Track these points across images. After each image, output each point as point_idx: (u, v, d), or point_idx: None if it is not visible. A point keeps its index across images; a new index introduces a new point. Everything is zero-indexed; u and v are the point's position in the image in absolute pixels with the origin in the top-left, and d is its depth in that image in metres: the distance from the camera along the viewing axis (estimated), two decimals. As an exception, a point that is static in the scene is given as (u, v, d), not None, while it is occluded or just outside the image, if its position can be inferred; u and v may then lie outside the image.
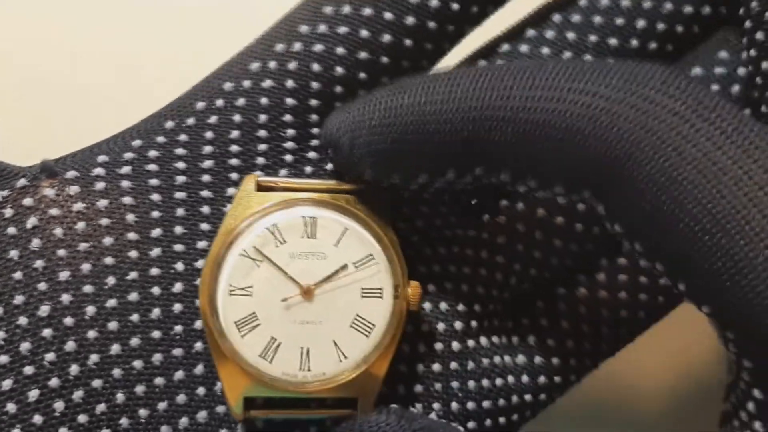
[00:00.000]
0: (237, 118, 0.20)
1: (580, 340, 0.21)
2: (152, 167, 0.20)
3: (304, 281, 0.19)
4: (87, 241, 0.19)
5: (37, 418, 0.17)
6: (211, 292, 0.19)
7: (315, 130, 0.21)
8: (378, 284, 0.19)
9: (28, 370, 0.18)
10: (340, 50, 0.20)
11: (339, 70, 0.20)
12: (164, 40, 0.32)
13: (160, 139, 0.20)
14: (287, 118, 0.20)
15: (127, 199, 0.20)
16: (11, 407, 0.17)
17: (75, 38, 0.32)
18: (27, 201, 0.19)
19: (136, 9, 0.33)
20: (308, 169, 0.21)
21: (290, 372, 0.19)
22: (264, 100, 0.20)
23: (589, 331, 0.21)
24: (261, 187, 0.20)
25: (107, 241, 0.19)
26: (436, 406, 0.20)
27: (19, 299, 0.18)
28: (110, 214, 0.19)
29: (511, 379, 0.21)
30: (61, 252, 0.19)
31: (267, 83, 0.20)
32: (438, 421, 0.20)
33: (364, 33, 0.20)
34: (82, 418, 0.18)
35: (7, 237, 0.18)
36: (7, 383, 0.17)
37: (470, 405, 0.20)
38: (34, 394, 0.18)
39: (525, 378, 0.21)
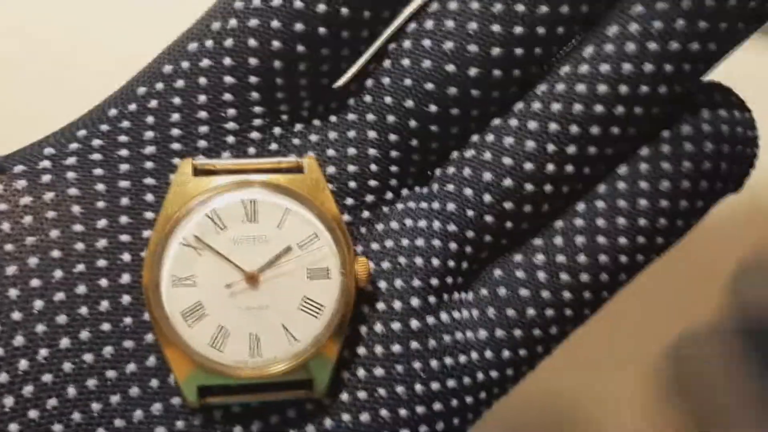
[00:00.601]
0: (176, 100, 0.20)
1: (542, 309, 0.20)
2: (96, 157, 0.20)
3: (248, 267, 0.18)
4: (34, 235, 0.19)
5: None
6: (154, 283, 0.18)
7: (257, 109, 0.20)
8: (324, 263, 0.19)
9: None
10: (275, 24, 0.19)
11: (276, 44, 0.19)
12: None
13: (104, 127, 0.20)
14: (227, 97, 0.20)
15: (73, 191, 0.19)
16: None
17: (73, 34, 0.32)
18: None
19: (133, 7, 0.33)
20: (251, 149, 0.20)
21: (241, 359, 0.18)
22: (202, 80, 0.20)
23: (550, 298, 0.20)
24: (198, 171, 0.19)
25: (54, 233, 0.19)
26: (399, 389, 0.19)
27: None
28: (56, 206, 0.19)
29: (474, 355, 0.20)
30: (9, 247, 0.19)
31: (204, 63, 0.20)
32: None
33: (298, 4, 0.19)
34: (32, 414, 0.18)
35: None
36: None
37: (434, 386, 0.20)
38: None
39: (488, 353, 0.20)
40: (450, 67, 0.20)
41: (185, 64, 0.20)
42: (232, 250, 0.19)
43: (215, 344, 0.18)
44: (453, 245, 0.20)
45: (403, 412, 0.19)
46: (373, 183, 0.21)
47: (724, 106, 0.21)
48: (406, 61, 0.20)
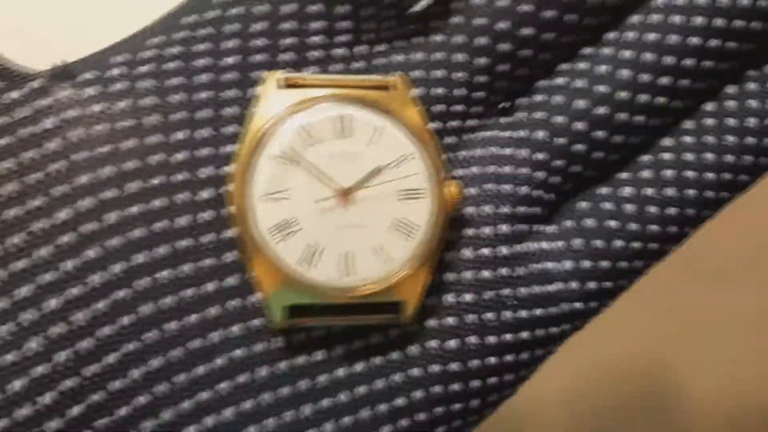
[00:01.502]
0: (260, 8, 0.19)
1: (628, 242, 0.20)
2: (172, 65, 0.18)
3: (342, 183, 0.18)
4: (106, 145, 0.18)
5: (55, 329, 0.17)
6: (243, 198, 0.18)
7: (342, 24, 0.19)
8: (417, 184, 0.18)
9: (46, 277, 0.17)
10: None
11: None
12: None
13: (181, 34, 0.19)
14: (313, 9, 0.19)
15: (147, 101, 0.18)
16: (31, 315, 0.16)
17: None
18: (42, 102, 0.18)
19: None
20: (336, 66, 0.19)
21: (333, 277, 0.18)
22: None
23: (638, 230, 0.20)
24: (286, 84, 0.18)
25: (128, 144, 0.18)
26: (488, 315, 0.19)
27: (37, 202, 0.17)
28: (130, 116, 0.18)
29: (561, 285, 0.20)
30: (80, 155, 0.17)
31: None
32: None
33: None
34: (106, 330, 0.17)
35: (23, 138, 0.17)
36: (26, 289, 0.16)
37: (523, 313, 0.19)
38: (53, 303, 0.17)
39: (574, 284, 0.20)
40: None
41: None
42: (325, 165, 0.18)
43: (306, 261, 0.18)
44: (541, 174, 0.20)
45: (491, 339, 0.19)
46: (458, 108, 0.20)
47: None
48: None
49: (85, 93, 0.18)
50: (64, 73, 0.18)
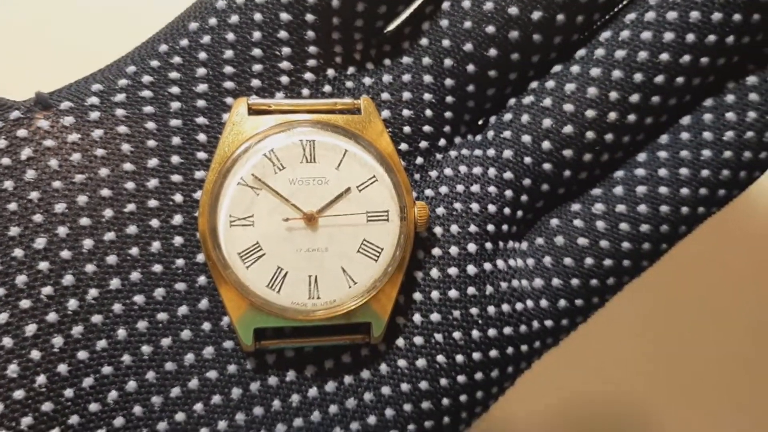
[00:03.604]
0: (230, 36, 0.19)
1: (601, 259, 0.20)
2: (147, 93, 0.19)
3: (307, 208, 0.18)
4: (83, 173, 0.18)
5: (35, 354, 0.17)
6: (211, 223, 0.18)
7: (311, 49, 0.20)
8: (384, 206, 0.18)
9: (25, 303, 0.17)
10: None
11: None
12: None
13: (154, 63, 0.19)
14: (282, 34, 0.19)
15: (122, 129, 0.19)
16: (7, 341, 0.17)
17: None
18: (21, 132, 0.18)
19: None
20: (305, 91, 0.20)
21: (299, 301, 0.18)
22: (258, 16, 0.19)
23: (609, 247, 0.20)
24: (254, 111, 0.19)
25: (103, 172, 0.18)
26: (456, 335, 0.19)
27: (14, 231, 0.18)
28: (105, 144, 0.19)
29: (530, 303, 0.20)
30: (57, 183, 0.18)
31: None
32: None
33: None
34: (82, 355, 0.18)
35: (1, 168, 0.18)
36: (3, 317, 0.17)
37: (491, 332, 0.19)
38: (31, 328, 0.17)
39: (544, 302, 0.20)
40: (513, 10, 0.19)
41: (240, 0, 0.19)
42: (291, 190, 0.18)
43: (273, 286, 0.18)
44: (509, 193, 0.20)
45: (459, 358, 0.19)
46: (427, 128, 0.20)
47: None
48: (466, 3, 0.20)
49: (62, 122, 0.19)
50: (42, 104, 0.19)
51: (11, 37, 0.31)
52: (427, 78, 0.20)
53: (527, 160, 0.20)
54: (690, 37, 0.19)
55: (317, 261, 0.18)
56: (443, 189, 0.20)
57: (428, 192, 0.20)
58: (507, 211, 0.20)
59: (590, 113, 0.20)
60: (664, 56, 0.19)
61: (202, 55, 0.19)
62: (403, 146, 0.20)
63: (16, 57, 0.31)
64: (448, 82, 0.20)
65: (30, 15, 0.32)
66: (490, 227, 0.20)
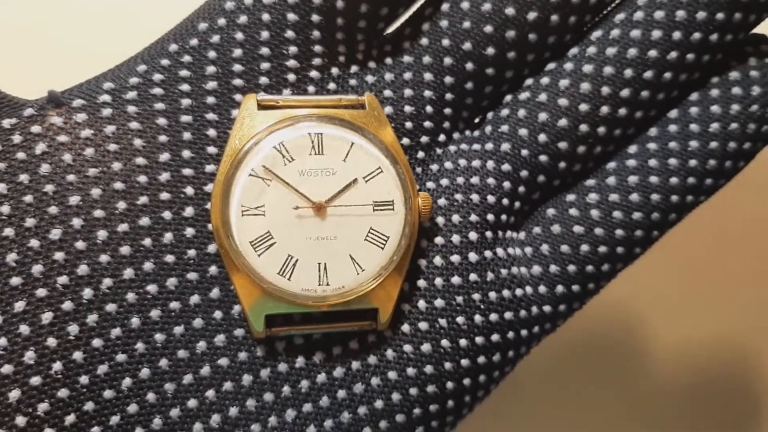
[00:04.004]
0: (239, 36, 0.20)
1: (596, 246, 0.21)
2: (157, 91, 0.20)
3: (316, 198, 0.19)
4: (96, 167, 0.19)
5: (51, 341, 0.18)
6: (223, 214, 0.19)
7: (317, 48, 0.20)
8: (389, 196, 0.19)
9: (41, 292, 0.18)
10: None
11: None
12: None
13: (165, 62, 0.20)
14: (289, 34, 0.20)
15: (134, 124, 0.19)
16: (24, 329, 0.17)
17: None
18: (35, 128, 0.19)
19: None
20: (311, 88, 0.21)
21: (310, 287, 0.19)
22: (265, 16, 0.20)
23: (603, 235, 0.21)
24: (262, 106, 0.19)
25: (116, 166, 0.19)
26: (459, 319, 0.20)
27: (30, 222, 0.18)
28: (118, 139, 0.19)
29: (529, 289, 0.21)
30: (71, 177, 0.19)
31: None
32: None
33: None
34: (97, 342, 0.18)
35: (17, 162, 0.18)
36: (20, 305, 0.17)
37: (493, 317, 0.20)
38: (47, 316, 0.18)
39: (542, 288, 0.21)
40: (509, 11, 0.20)
41: (248, 1, 0.20)
42: (300, 181, 0.19)
43: (284, 273, 0.19)
44: (507, 184, 0.21)
45: (463, 342, 0.20)
46: (428, 124, 0.21)
47: None
48: (465, 4, 0.21)
49: (75, 119, 0.19)
50: (55, 101, 0.19)
51: (11, 37, 0.32)
52: (428, 76, 0.21)
53: (524, 152, 0.21)
54: (676, 35, 0.20)
55: (326, 249, 0.19)
56: (444, 181, 0.21)
57: (430, 184, 0.21)
58: (506, 201, 0.21)
59: (583, 107, 0.21)
60: (653, 53, 0.20)
61: (212, 54, 0.20)
62: (405, 141, 0.21)
63: (16, 57, 0.31)
64: (448, 79, 0.21)
65: (30, 15, 0.32)
66: (490, 216, 0.21)
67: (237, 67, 0.20)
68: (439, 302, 0.20)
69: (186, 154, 0.20)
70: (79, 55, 0.30)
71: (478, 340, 0.20)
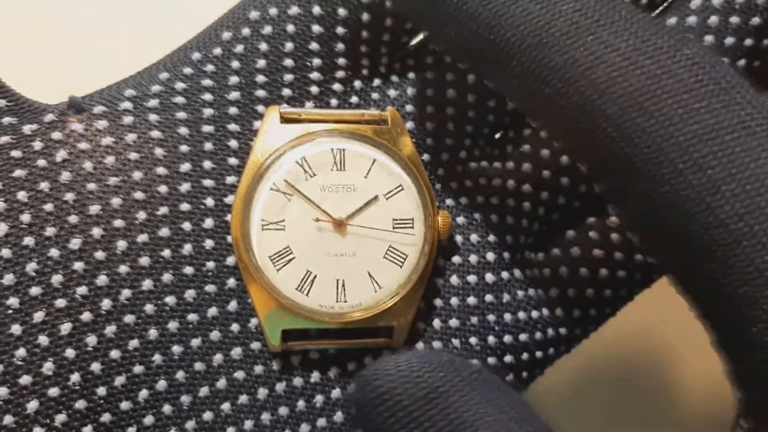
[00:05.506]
0: (263, 46, 0.20)
1: (614, 270, 0.21)
2: (180, 100, 0.20)
3: (336, 214, 0.19)
4: (116, 176, 0.19)
5: (70, 352, 0.18)
6: (243, 227, 0.19)
7: (340, 61, 0.20)
8: (409, 215, 0.19)
9: (60, 302, 0.18)
10: None
11: None
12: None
13: (187, 70, 0.20)
14: (313, 46, 0.20)
15: (156, 133, 0.19)
16: (43, 339, 0.17)
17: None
18: (56, 135, 0.19)
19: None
20: (333, 101, 0.20)
21: (327, 303, 0.19)
22: (290, 27, 0.20)
23: (623, 259, 0.21)
24: (285, 119, 0.19)
25: (137, 175, 0.19)
26: (473, 340, 0.20)
27: (50, 231, 0.18)
28: (139, 148, 0.19)
29: (545, 311, 0.21)
30: (91, 186, 0.18)
31: (293, 10, 0.20)
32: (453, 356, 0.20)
33: None
34: (114, 354, 0.18)
35: (38, 169, 0.18)
36: (39, 315, 0.17)
37: (507, 338, 0.20)
38: (66, 327, 0.18)
39: (559, 311, 0.21)
40: None
41: (273, 11, 0.20)
42: (321, 197, 0.19)
43: (302, 288, 0.19)
44: (527, 204, 0.21)
45: (475, 362, 0.20)
46: (449, 141, 0.21)
47: None
48: None
49: (96, 126, 0.19)
50: (76, 107, 0.19)
51: (11, 37, 0.32)
52: (450, 93, 0.21)
53: (545, 173, 0.21)
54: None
55: (345, 265, 0.19)
56: (463, 200, 0.21)
57: (449, 201, 0.21)
58: (525, 222, 0.21)
59: None
60: None
61: (235, 64, 0.20)
62: (426, 157, 0.21)
63: (17, 57, 0.31)
64: (470, 97, 0.21)
65: (30, 15, 0.32)
66: (509, 238, 0.21)
67: (260, 78, 0.20)
68: (454, 322, 0.20)
69: (207, 164, 0.19)
70: (77, 55, 0.30)
71: (491, 360, 0.20)
